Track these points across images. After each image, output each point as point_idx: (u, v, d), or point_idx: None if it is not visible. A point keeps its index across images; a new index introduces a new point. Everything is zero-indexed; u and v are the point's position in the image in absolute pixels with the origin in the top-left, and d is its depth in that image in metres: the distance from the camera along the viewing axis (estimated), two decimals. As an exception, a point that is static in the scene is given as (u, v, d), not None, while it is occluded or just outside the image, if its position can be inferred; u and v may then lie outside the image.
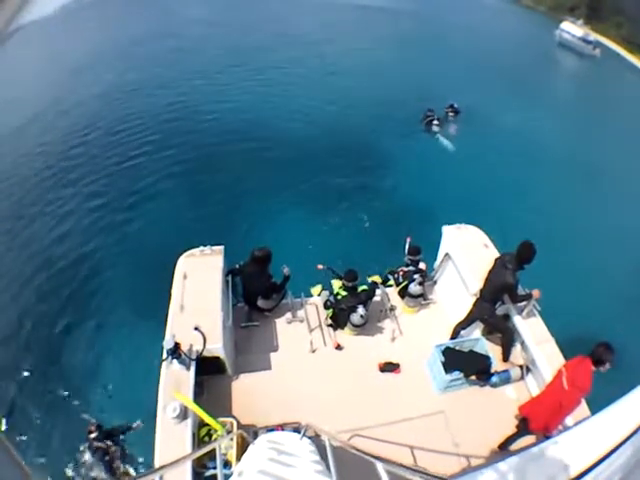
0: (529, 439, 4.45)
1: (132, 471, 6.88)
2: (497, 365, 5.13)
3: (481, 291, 5.12)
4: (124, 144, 15.26)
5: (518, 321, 5.17)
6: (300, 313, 6.15)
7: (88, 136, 15.93)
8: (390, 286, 6.44)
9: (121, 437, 7.14)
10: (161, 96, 18.94)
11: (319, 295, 6.20)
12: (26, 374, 8.11)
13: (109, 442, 6.98)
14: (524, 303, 5.02)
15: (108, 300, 9.26)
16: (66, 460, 7.01)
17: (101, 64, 23.08)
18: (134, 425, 7.24)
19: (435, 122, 16.37)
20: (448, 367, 4.92)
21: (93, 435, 6.94)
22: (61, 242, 10.97)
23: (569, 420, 4.14)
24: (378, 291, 6.21)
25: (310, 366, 5.52)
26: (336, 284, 5.93)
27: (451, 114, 16.96)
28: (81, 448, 6.99)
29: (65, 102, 18.75)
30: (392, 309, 6.18)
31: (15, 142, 15.90)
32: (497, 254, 5.50)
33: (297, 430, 4.31)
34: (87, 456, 6.98)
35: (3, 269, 10.30)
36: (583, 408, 4.14)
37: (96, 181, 13.29)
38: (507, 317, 5.28)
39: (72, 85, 20.55)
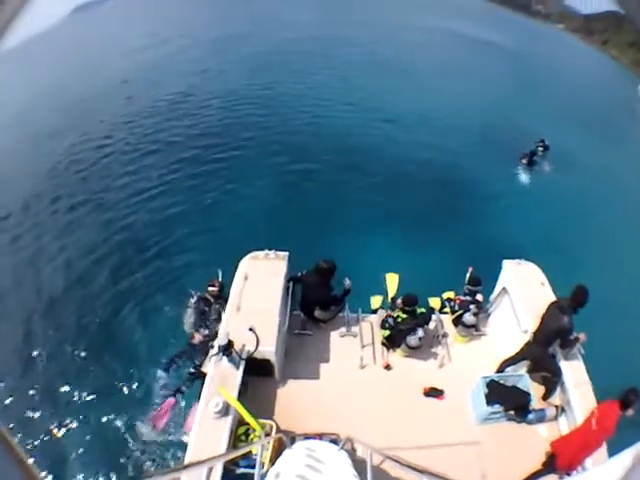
0: (552, 478, 4.58)
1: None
2: (535, 403, 5.17)
3: (534, 334, 5.15)
4: (228, 144, 16.55)
5: (561, 362, 5.15)
6: (355, 328, 6.14)
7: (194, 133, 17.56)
8: (445, 313, 6.43)
9: None
10: (269, 107, 20.18)
11: (378, 309, 6.24)
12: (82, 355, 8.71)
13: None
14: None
15: (171, 287, 9.85)
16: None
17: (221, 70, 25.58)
18: None
19: (530, 156, 16.00)
20: (490, 399, 4.99)
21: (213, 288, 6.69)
22: (145, 229, 11.97)
23: (588, 461, 4.26)
24: (433, 317, 6.22)
25: (356, 381, 5.52)
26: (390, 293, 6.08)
27: (540, 149, 16.25)
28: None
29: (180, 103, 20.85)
30: (444, 336, 6.14)
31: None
32: (552, 293, 5.62)
33: (335, 441, 4.31)
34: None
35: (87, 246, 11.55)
36: (603, 450, 4.21)
37: (194, 176, 14.43)
38: (553, 357, 5.25)
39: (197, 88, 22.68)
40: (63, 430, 7.35)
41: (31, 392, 7.89)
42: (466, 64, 30.96)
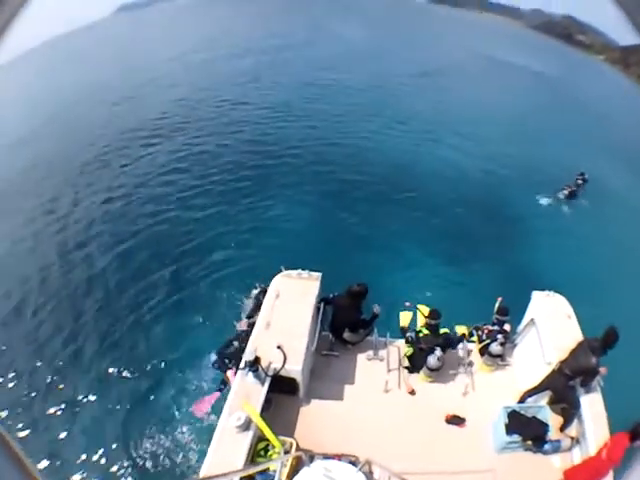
0: None
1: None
2: (552, 433, 5.20)
3: (560, 365, 5.18)
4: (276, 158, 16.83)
5: (581, 394, 5.17)
6: (382, 352, 6.15)
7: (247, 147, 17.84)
8: (473, 342, 6.48)
9: None
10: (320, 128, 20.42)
11: (406, 329, 6.27)
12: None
13: None
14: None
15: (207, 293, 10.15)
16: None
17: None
18: None
19: (572, 189, 15.62)
20: (509, 429, 5.04)
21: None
22: (190, 241, 12.15)
23: None
24: (461, 344, 6.27)
25: (380, 405, 5.52)
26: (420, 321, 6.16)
27: (580, 182, 15.76)
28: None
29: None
30: (470, 364, 6.17)
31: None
32: (577, 326, 5.68)
33: (353, 463, 4.32)
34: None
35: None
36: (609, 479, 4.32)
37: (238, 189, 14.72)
38: (573, 389, 5.28)
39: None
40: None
41: (92, 372, 8.44)
42: (509, 91, 31.09)
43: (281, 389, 5.13)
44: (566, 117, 26.87)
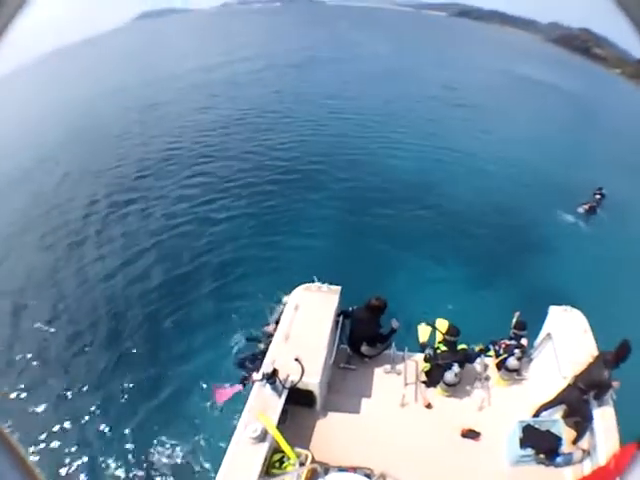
0: None
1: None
2: (565, 446, 5.23)
3: (575, 378, 5.25)
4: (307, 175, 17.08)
5: (593, 407, 5.18)
6: (399, 367, 6.13)
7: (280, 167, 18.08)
8: (490, 356, 6.50)
9: None
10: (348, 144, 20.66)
11: (426, 342, 6.31)
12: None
13: None
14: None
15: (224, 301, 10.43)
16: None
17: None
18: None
19: (591, 205, 15.61)
20: (523, 443, 5.08)
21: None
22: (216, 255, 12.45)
23: None
24: (478, 359, 6.30)
25: (396, 419, 5.52)
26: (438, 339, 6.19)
27: (598, 197, 15.79)
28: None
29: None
30: (487, 379, 6.18)
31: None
32: (593, 341, 5.73)
33: (368, 476, 4.34)
34: None
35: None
36: None
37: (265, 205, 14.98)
38: (587, 402, 5.30)
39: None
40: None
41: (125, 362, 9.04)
42: (528, 107, 31.13)
43: (298, 401, 5.13)
44: (585, 132, 26.90)
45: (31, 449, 7.31)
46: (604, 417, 5.11)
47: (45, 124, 25.13)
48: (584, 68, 61.13)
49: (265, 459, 4.41)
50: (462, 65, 41.72)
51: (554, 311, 6.27)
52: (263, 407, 4.71)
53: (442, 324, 6.57)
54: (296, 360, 4.90)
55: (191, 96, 27.33)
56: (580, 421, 5.40)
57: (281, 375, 4.84)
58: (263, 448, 4.41)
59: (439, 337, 6.23)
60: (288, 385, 4.87)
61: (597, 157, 22.62)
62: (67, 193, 16.23)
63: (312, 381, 4.97)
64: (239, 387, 6.86)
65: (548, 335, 6.17)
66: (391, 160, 18.63)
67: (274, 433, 4.47)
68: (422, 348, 6.31)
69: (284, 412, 4.89)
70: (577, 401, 5.30)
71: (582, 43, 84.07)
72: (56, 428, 7.78)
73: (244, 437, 4.42)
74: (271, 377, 4.74)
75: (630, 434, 4.77)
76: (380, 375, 6.03)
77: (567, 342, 5.82)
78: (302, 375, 4.86)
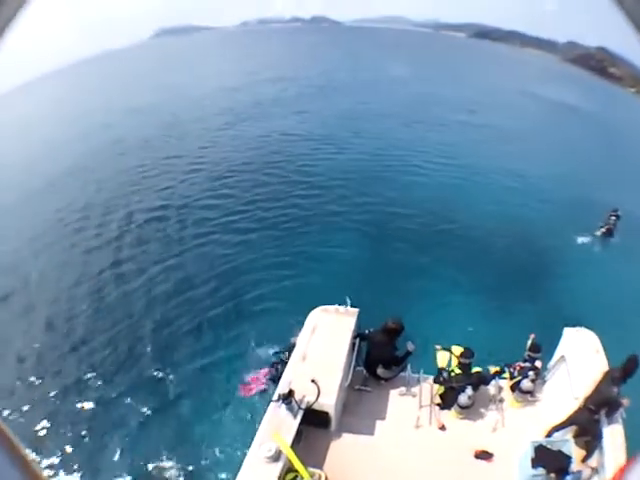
0: None
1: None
2: (575, 465, 5.22)
3: (585, 399, 5.27)
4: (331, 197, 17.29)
5: (603, 425, 5.17)
6: (414, 389, 6.16)
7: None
8: (504, 378, 6.52)
9: None
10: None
11: (444, 367, 6.28)
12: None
13: None
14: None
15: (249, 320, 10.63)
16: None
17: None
18: None
19: (609, 227, 15.49)
20: (535, 463, 5.10)
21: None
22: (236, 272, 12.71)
23: None
24: (493, 382, 6.34)
25: (410, 441, 5.52)
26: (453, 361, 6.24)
27: (613, 219, 15.58)
28: None
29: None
30: (501, 401, 6.21)
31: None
32: (605, 361, 5.77)
33: None
34: None
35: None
36: None
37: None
38: (598, 422, 5.29)
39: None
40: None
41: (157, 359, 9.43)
42: (547, 127, 31.14)
43: (313, 422, 5.17)
44: (602, 153, 26.65)
45: (30, 449, 7.48)
46: (613, 435, 5.12)
47: (68, 137, 26.00)
48: (600, 88, 60.78)
49: (279, 478, 4.45)
50: (481, 86, 41.91)
51: (568, 333, 6.35)
52: (278, 427, 4.75)
53: (457, 349, 6.62)
54: (312, 381, 4.97)
55: (211, 115, 27.89)
56: (590, 440, 5.43)
57: (297, 396, 4.88)
58: (277, 467, 4.44)
59: (455, 361, 6.26)
60: (304, 406, 4.91)
61: (614, 177, 22.40)
62: (90, 205, 16.79)
63: (328, 402, 5.01)
64: (265, 372, 7.67)
65: (562, 357, 6.23)
66: (410, 183, 18.79)
67: (288, 452, 4.50)
68: (440, 373, 6.33)
69: (299, 432, 4.92)
70: (588, 422, 5.33)
71: (598, 63, 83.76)
72: (63, 430, 8.02)
73: (258, 456, 4.46)
74: (287, 397, 4.79)
75: (637, 447, 4.87)
76: (395, 397, 6.06)
77: (580, 363, 5.86)
78: (318, 396, 4.91)
